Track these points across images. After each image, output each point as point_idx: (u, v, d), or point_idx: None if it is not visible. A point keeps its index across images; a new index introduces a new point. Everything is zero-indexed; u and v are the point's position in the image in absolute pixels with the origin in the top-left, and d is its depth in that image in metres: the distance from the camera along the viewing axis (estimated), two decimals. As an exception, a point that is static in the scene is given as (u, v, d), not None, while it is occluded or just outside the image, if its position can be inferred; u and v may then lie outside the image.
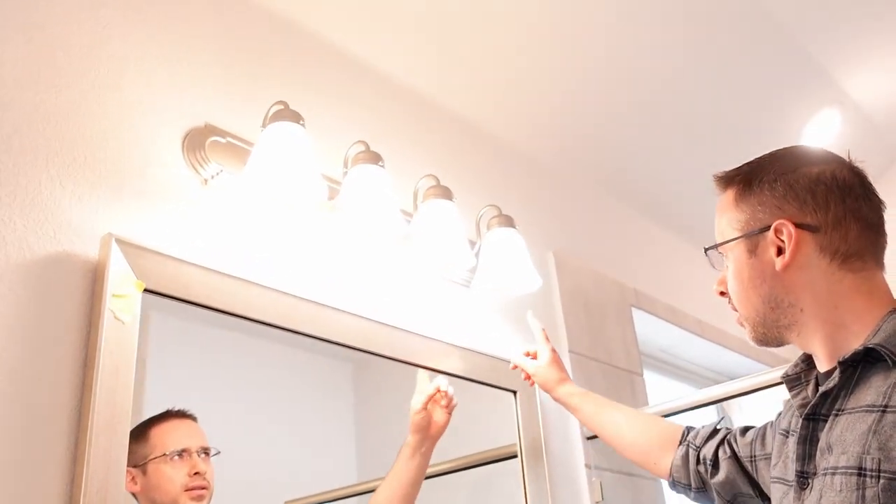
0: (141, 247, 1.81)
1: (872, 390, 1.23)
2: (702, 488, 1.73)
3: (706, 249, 1.42)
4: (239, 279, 1.98)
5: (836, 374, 1.28)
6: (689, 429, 1.82)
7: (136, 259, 1.79)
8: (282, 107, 2.11)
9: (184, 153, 2.05)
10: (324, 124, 2.37)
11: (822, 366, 1.35)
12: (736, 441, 1.68)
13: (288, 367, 2.11)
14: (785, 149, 1.44)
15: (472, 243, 2.49)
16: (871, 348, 1.25)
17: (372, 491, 2.13)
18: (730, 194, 1.41)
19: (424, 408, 2.19)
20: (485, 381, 2.41)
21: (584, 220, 3.24)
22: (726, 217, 1.40)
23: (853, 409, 1.24)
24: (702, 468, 1.74)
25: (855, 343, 1.29)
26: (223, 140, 2.10)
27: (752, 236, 1.35)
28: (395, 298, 2.34)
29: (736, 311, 1.43)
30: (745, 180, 1.40)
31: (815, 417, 1.30)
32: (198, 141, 2.08)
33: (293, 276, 2.12)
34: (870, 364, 1.26)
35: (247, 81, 2.23)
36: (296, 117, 2.09)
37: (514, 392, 2.50)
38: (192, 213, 2.01)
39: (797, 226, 1.32)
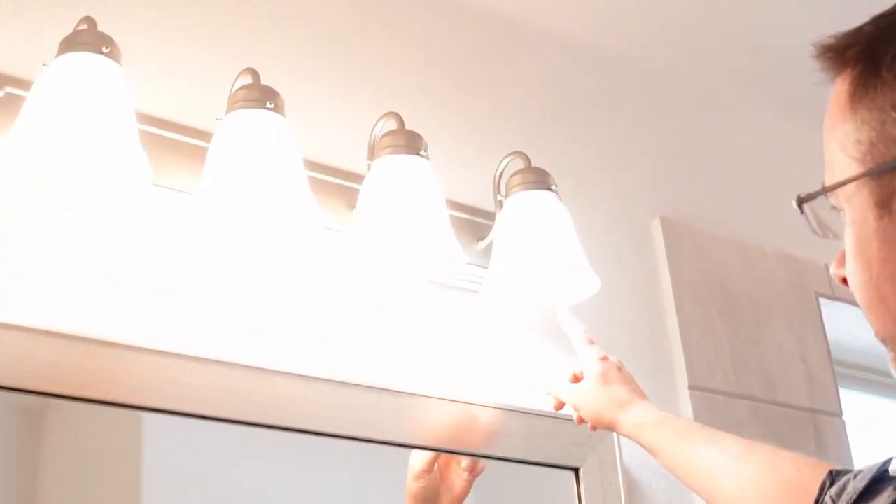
0: None
1: None
2: None
3: (800, 200, 0.99)
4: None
5: None
6: (834, 476, 1.27)
7: None
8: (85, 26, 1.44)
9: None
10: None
11: None
12: None
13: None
14: None
15: (489, 216, 1.77)
16: None
17: None
18: (841, 87, 0.97)
19: (431, 468, 1.68)
20: (518, 457, 1.75)
21: (713, 163, 2.38)
22: (837, 134, 0.97)
23: None
24: None
25: None
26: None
27: (885, 174, 0.92)
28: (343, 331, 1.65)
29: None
30: (870, 54, 0.95)
31: None
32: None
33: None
34: None
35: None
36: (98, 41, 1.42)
37: (575, 470, 1.81)
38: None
39: None
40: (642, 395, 1.57)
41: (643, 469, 1.84)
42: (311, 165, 1.59)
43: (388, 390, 1.61)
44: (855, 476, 1.23)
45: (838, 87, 0.99)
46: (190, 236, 1.48)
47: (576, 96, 2.18)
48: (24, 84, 1.43)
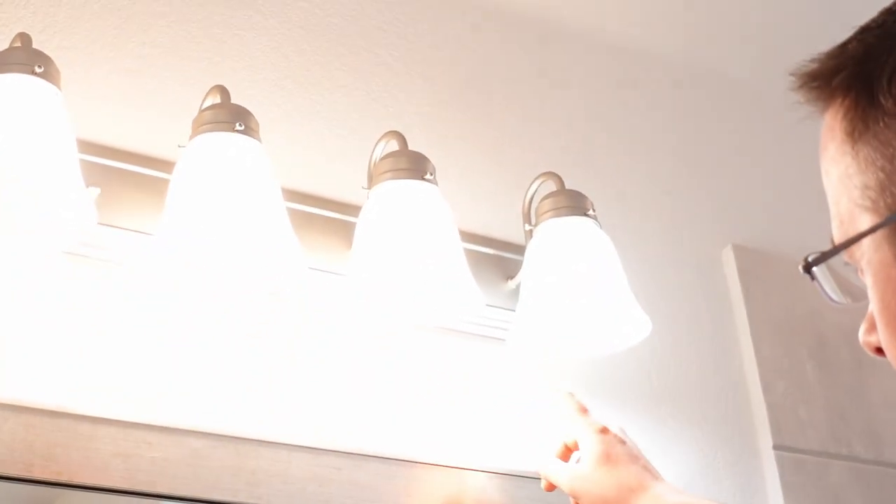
0: None
1: None
2: None
3: (807, 264, 0.89)
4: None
5: None
6: None
7: None
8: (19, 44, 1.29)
9: None
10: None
11: None
12: None
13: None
14: None
15: (520, 250, 1.57)
16: None
17: None
18: (834, 122, 0.86)
19: None
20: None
21: (795, 181, 2.15)
22: (838, 179, 0.86)
23: None
24: None
25: None
26: None
27: None
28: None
29: None
30: (861, 82, 0.84)
31: None
32: None
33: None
34: None
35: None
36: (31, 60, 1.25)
37: None
38: None
39: None
40: (654, 475, 1.35)
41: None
42: (299, 197, 1.43)
43: (397, 460, 1.40)
44: None
45: (830, 123, 0.89)
46: (148, 282, 1.29)
47: (623, 107, 1.99)
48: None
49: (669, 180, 1.96)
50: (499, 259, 1.56)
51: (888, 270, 0.87)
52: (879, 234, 0.87)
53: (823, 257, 0.92)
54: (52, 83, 1.23)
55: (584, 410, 1.42)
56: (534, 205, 1.55)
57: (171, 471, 1.24)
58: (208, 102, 1.33)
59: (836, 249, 0.91)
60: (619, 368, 1.67)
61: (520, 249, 1.56)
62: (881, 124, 0.86)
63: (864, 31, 0.89)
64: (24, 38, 1.27)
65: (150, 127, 1.41)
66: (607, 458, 1.36)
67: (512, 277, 1.54)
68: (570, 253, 1.48)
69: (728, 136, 2.11)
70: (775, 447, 1.87)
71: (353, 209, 1.42)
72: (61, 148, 1.21)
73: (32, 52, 1.26)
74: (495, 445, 1.50)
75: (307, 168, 1.52)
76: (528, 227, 1.52)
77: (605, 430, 1.37)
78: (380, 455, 1.39)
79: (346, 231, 1.42)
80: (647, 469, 1.37)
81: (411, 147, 1.49)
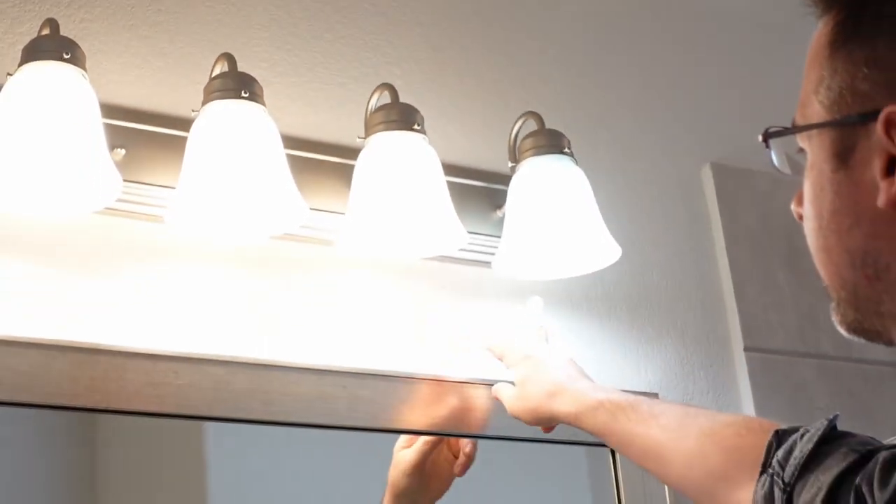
0: None
1: None
2: None
3: (767, 133, 1.05)
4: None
5: None
6: (780, 436, 1.23)
7: None
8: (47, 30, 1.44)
9: None
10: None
11: None
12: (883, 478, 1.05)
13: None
14: None
15: (504, 178, 1.74)
16: None
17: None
18: (824, 30, 1.00)
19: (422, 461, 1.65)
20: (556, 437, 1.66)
21: (773, 97, 2.19)
22: (813, 75, 1.01)
23: None
24: None
25: None
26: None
27: (846, 127, 0.96)
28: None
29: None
30: (854, 6, 0.99)
31: None
32: None
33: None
34: None
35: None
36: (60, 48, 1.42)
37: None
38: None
39: None
40: (576, 377, 1.52)
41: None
42: (306, 144, 1.61)
43: (396, 376, 1.60)
44: (802, 436, 1.21)
45: (821, 29, 1.01)
46: (171, 230, 1.50)
47: (603, 38, 2.09)
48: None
49: (649, 105, 2.05)
50: (488, 190, 1.73)
51: (822, 160, 1.01)
52: (825, 129, 1.01)
53: (779, 133, 1.07)
54: (79, 66, 1.40)
55: (512, 348, 1.59)
56: (517, 144, 1.70)
57: (196, 395, 1.46)
58: (217, 70, 1.49)
59: (791, 130, 1.06)
60: (603, 282, 1.83)
61: (508, 181, 1.70)
62: (856, 43, 0.99)
63: None
64: (52, 24, 1.42)
65: (167, 89, 1.58)
66: (528, 378, 1.54)
67: (500, 207, 1.70)
68: (547, 188, 1.65)
69: (703, 56, 2.18)
70: (746, 349, 2.01)
71: (355, 152, 1.58)
72: (87, 122, 1.38)
73: (60, 39, 1.41)
74: (486, 360, 1.67)
75: (314, 117, 1.68)
76: (511, 165, 1.68)
77: (527, 357, 1.56)
78: (380, 372, 1.58)
79: (348, 174, 1.58)
80: (571, 375, 1.52)
81: (410, 87, 1.66)
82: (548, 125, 1.70)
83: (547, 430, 1.56)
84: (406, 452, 1.66)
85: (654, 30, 2.15)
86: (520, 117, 1.71)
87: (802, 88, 1.06)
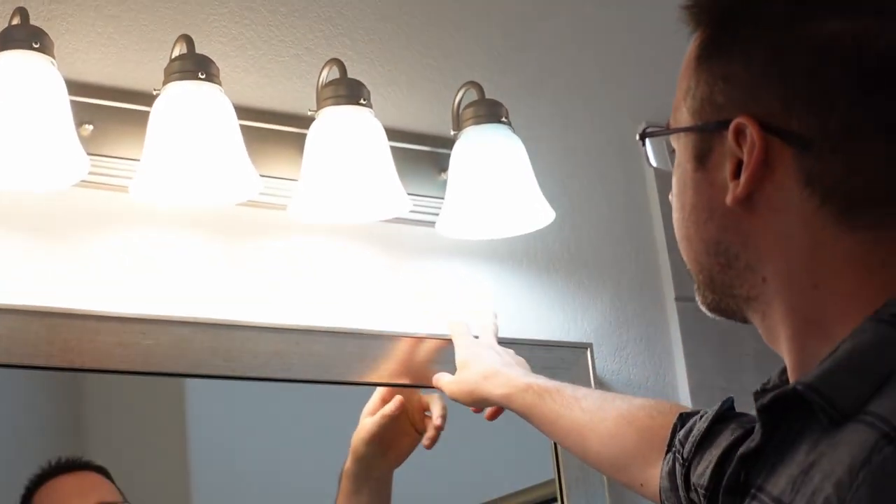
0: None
1: (792, 467, 0.95)
2: None
3: (643, 133, 1.14)
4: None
5: (758, 425, 1.02)
6: (683, 418, 1.41)
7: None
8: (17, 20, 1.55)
9: None
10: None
11: None
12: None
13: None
14: None
15: (448, 142, 1.84)
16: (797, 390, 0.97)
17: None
18: (694, 44, 1.08)
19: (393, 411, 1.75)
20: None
21: None
22: (683, 84, 1.09)
23: (769, 496, 0.97)
24: (696, 497, 1.32)
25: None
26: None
27: (705, 133, 1.06)
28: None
29: None
30: (718, 23, 1.07)
31: (733, 490, 1.04)
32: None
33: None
34: (810, 415, 0.96)
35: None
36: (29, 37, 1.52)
37: None
38: None
39: (767, 130, 1.01)
40: (511, 365, 1.65)
41: (616, 383, 1.94)
42: (262, 114, 1.72)
43: (346, 332, 1.72)
44: (701, 417, 1.36)
45: (692, 44, 1.08)
46: (136, 200, 1.61)
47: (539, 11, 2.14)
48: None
49: (584, 69, 2.10)
50: (434, 154, 1.83)
51: (685, 160, 1.09)
52: (688, 133, 1.08)
53: (654, 133, 1.16)
54: (48, 54, 1.49)
55: (465, 333, 1.73)
56: (459, 112, 1.80)
57: (162, 353, 1.58)
58: (176, 52, 1.59)
59: (664, 132, 1.14)
60: (544, 239, 1.93)
61: (451, 145, 1.80)
62: (715, 60, 1.05)
63: None
64: (22, 12, 1.51)
65: (132, 65, 1.68)
66: (468, 362, 1.68)
67: (444, 170, 1.81)
68: (486, 155, 1.76)
69: (637, 17, 2.20)
70: (677, 298, 2.07)
71: (308, 121, 1.68)
72: (56, 106, 1.48)
73: (29, 28, 1.50)
74: (429, 313, 1.81)
75: (270, 88, 1.78)
76: (453, 133, 1.79)
77: (472, 345, 1.71)
78: (331, 329, 1.70)
79: (301, 142, 1.68)
80: (506, 362, 1.64)
81: (363, 56, 1.81)
82: (487, 92, 1.79)
83: (477, 411, 1.68)
84: (367, 420, 1.75)
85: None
86: (461, 87, 1.81)
87: (675, 95, 1.13)
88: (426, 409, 1.77)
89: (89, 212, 1.61)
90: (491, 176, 1.75)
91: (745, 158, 1.02)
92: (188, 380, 1.68)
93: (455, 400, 1.67)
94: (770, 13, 1.05)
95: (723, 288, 1.09)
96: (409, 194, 1.72)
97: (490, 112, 1.77)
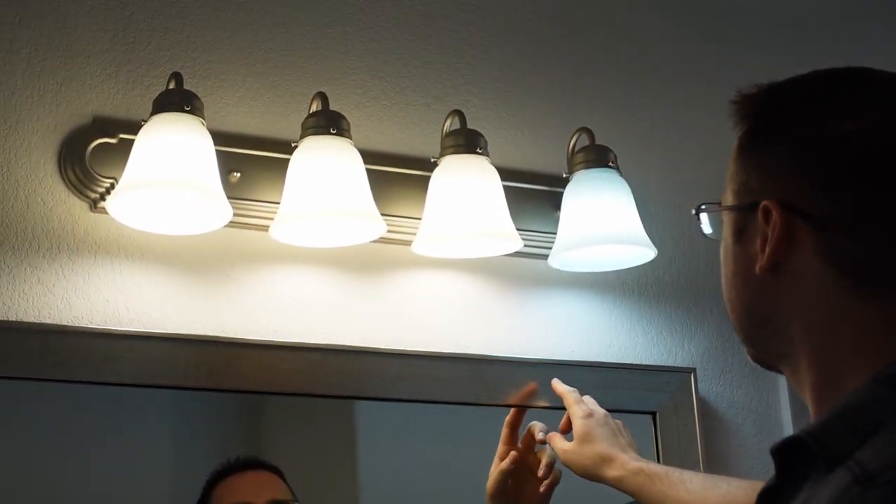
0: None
1: None
2: None
3: (698, 209, 1.25)
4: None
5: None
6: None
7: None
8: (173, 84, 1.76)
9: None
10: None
11: None
12: None
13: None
14: (825, 74, 1.18)
15: (562, 180, 1.98)
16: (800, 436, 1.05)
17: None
18: (739, 136, 1.19)
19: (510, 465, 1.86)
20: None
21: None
22: (731, 169, 1.20)
23: None
24: None
25: None
26: (113, 140, 1.80)
27: (742, 212, 1.16)
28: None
29: None
30: (755, 119, 1.17)
31: None
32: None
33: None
34: (813, 458, 1.03)
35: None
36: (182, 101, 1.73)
37: (652, 414, 2.02)
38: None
39: (788, 210, 1.10)
40: (625, 448, 1.77)
41: (719, 406, 2.05)
42: (391, 159, 1.90)
43: (469, 357, 1.90)
44: None
45: (738, 133, 1.21)
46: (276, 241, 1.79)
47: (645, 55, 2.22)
48: (132, 126, 1.72)
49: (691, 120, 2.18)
50: (549, 193, 1.97)
51: (727, 237, 1.18)
52: (731, 212, 1.19)
53: (708, 209, 1.27)
54: (198, 116, 1.69)
55: (579, 400, 1.82)
56: (571, 156, 1.95)
57: (300, 377, 1.78)
58: (313, 108, 1.78)
59: (714, 208, 1.24)
60: (654, 271, 2.05)
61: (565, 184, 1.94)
62: (752, 153, 1.17)
63: (774, 87, 1.19)
64: (177, 77, 1.71)
65: (276, 117, 1.87)
66: (586, 438, 1.77)
67: (558, 208, 1.95)
68: (594, 197, 1.92)
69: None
70: None
71: (433, 167, 1.85)
72: (203, 161, 1.68)
73: (183, 92, 1.70)
74: (542, 340, 1.97)
75: (401, 134, 1.96)
76: (565, 175, 1.94)
77: (590, 415, 1.80)
78: (452, 354, 1.87)
79: (425, 185, 1.84)
80: (618, 445, 1.77)
81: (488, 102, 1.99)
82: (598, 139, 1.93)
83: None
84: (492, 477, 1.87)
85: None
86: (574, 132, 1.96)
87: (727, 176, 1.24)
88: (540, 461, 1.84)
89: (233, 250, 1.81)
90: (598, 216, 1.90)
91: (769, 234, 1.13)
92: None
93: (567, 465, 1.78)
94: (795, 113, 1.16)
95: (759, 345, 1.19)
96: (525, 230, 1.88)
97: (599, 157, 1.92)
